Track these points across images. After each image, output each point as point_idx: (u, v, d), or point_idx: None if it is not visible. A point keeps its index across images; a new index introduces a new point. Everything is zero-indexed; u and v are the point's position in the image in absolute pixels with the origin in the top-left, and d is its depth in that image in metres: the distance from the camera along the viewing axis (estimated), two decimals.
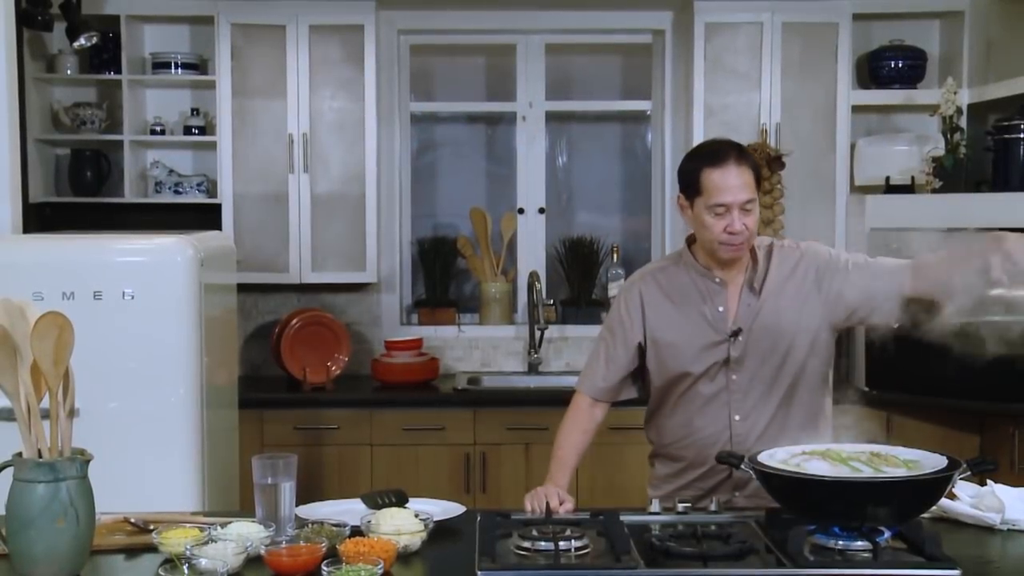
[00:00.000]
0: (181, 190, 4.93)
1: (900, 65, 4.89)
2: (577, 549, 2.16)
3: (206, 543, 2.12)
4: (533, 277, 5.07)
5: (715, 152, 2.65)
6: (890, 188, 4.73)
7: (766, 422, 2.68)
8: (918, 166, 4.69)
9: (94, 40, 4.61)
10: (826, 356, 2.77)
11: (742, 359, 2.69)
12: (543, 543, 2.15)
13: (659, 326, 2.76)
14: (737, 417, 2.70)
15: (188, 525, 2.27)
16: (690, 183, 2.65)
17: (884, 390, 4.48)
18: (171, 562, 2.08)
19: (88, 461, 2.04)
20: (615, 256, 5.26)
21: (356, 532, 2.21)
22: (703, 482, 2.73)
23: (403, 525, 2.21)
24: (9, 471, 2.01)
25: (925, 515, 2.26)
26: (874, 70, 4.94)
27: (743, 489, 2.67)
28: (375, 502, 2.42)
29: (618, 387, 2.84)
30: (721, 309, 2.71)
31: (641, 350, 2.78)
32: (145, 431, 3.38)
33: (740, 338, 2.68)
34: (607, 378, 2.82)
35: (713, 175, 2.60)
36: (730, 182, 2.59)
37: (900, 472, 2.18)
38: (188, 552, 2.06)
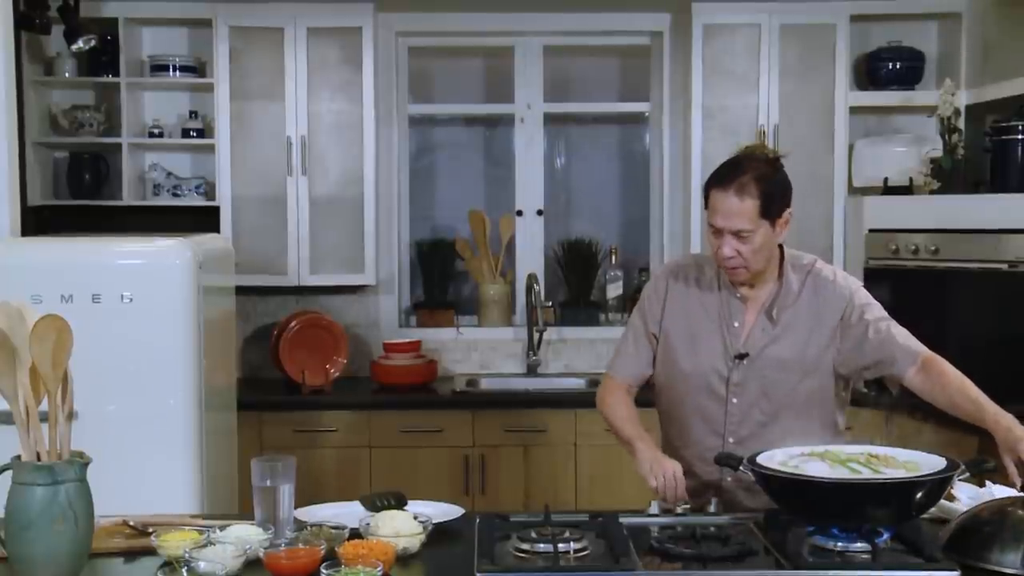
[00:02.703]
0: (179, 193, 4.94)
1: (898, 66, 4.90)
2: (576, 551, 2.16)
3: (205, 546, 2.11)
4: (532, 279, 5.08)
5: (722, 173, 2.59)
6: (888, 189, 4.73)
7: (760, 449, 2.50)
8: (916, 167, 4.69)
9: (92, 43, 4.61)
10: (835, 399, 2.72)
11: (744, 384, 2.66)
12: (542, 545, 2.15)
13: (673, 321, 2.74)
14: (731, 440, 2.67)
15: (187, 528, 2.26)
16: (704, 196, 2.63)
17: (882, 390, 4.47)
18: (170, 565, 2.08)
19: (87, 464, 2.04)
20: (613, 258, 5.26)
21: (355, 534, 2.21)
22: (694, 498, 2.64)
23: (402, 527, 2.21)
24: (8, 474, 2.01)
25: (924, 516, 2.26)
26: (872, 71, 4.94)
27: (730, 511, 2.57)
28: (374, 504, 2.42)
29: (649, 372, 2.81)
30: (736, 324, 2.68)
31: (656, 340, 2.77)
32: (144, 434, 3.38)
33: (745, 362, 2.65)
34: (638, 364, 2.79)
35: (714, 195, 2.57)
36: (724, 207, 2.55)
37: (899, 473, 2.18)
38: (187, 555, 2.05)
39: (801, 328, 2.66)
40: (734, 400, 2.67)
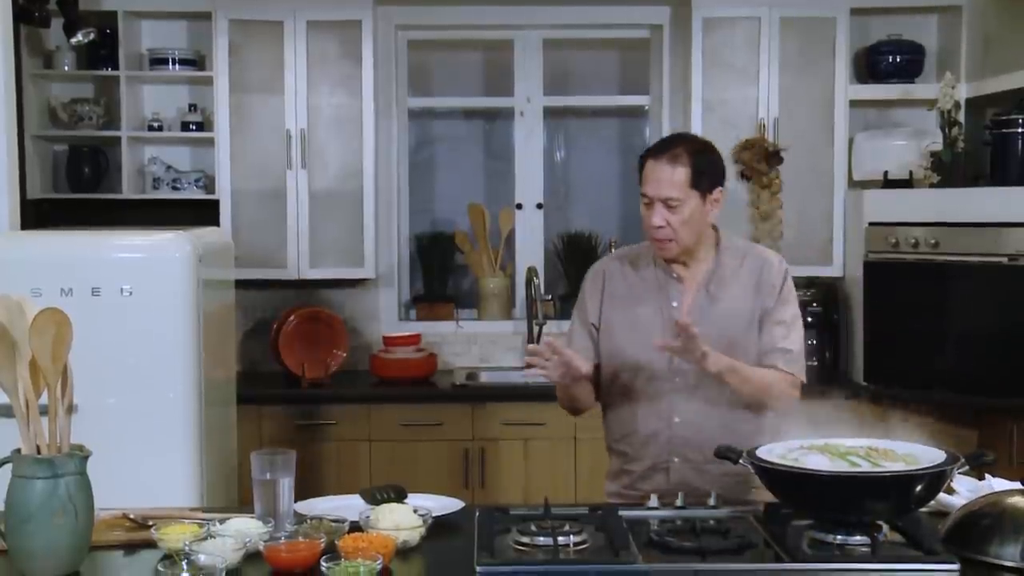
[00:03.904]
0: (179, 186, 4.93)
1: (898, 60, 4.89)
2: (576, 544, 2.16)
3: (205, 539, 2.12)
4: (531, 272, 5.07)
5: (659, 144, 2.70)
6: (888, 182, 4.73)
7: (707, 428, 2.61)
8: (916, 160, 4.69)
9: (91, 36, 4.60)
10: None
11: (687, 363, 2.63)
12: (541, 538, 2.15)
13: (613, 309, 2.76)
14: (677, 419, 2.68)
15: (187, 521, 2.27)
16: (640, 169, 2.70)
17: (882, 384, 4.48)
18: (170, 558, 2.08)
19: (87, 457, 2.04)
20: (613, 251, 5.25)
21: (355, 528, 2.21)
22: (642, 483, 2.68)
23: (402, 521, 2.21)
24: (8, 467, 2.02)
25: (923, 509, 2.26)
26: (872, 65, 4.94)
27: (680, 491, 2.52)
28: (374, 498, 2.42)
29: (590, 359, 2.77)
30: (675, 304, 2.70)
31: (596, 331, 2.77)
32: (144, 427, 3.38)
33: None
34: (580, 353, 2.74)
35: (648, 165, 2.66)
36: (655, 175, 2.62)
37: (898, 467, 2.18)
38: (187, 548, 2.05)
39: (740, 305, 2.68)
40: (678, 380, 2.67)
